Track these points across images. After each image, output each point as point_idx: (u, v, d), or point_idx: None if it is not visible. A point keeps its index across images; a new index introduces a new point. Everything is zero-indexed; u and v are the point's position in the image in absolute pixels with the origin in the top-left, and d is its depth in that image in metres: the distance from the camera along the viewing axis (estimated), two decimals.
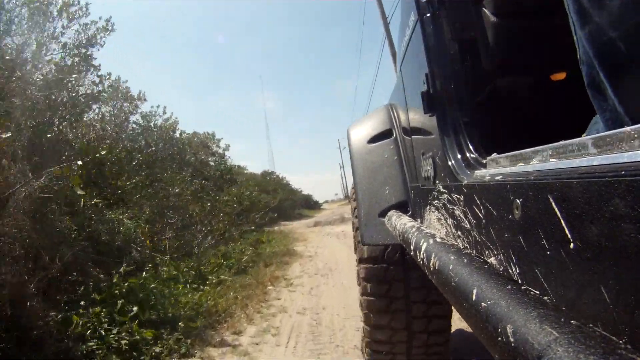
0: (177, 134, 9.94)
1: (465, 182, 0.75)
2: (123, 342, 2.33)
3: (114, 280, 2.98)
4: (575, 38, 0.56)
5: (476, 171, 0.77)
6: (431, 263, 0.73)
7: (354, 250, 1.96)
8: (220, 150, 12.77)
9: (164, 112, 9.53)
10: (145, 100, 8.49)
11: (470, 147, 0.85)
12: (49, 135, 3.46)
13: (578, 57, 0.57)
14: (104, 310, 2.61)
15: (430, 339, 1.50)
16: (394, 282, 1.44)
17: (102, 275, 3.03)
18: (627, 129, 0.35)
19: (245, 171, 21.73)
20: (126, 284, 2.94)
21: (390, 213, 1.42)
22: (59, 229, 2.89)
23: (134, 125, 8.24)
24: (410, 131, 1.40)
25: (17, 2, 4.55)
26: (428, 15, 1.02)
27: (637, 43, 0.46)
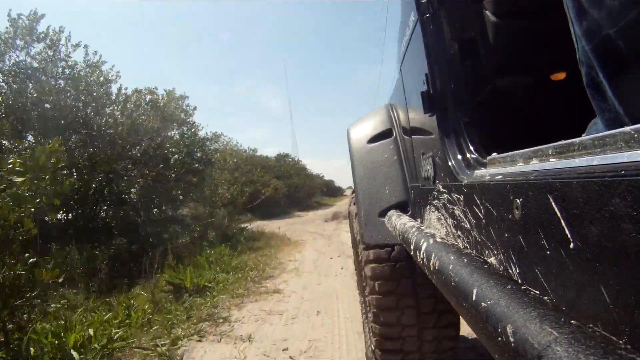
0: (113, 90, 6.51)
1: (465, 182, 0.75)
2: None
3: None
4: (574, 38, 0.56)
5: (476, 171, 0.77)
6: (431, 263, 0.73)
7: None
8: (182, 115, 8.16)
9: (87, 56, 6.01)
10: (76, 46, 5.83)
11: (470, 147, 0.85)
12: None
13: (577, 57, 0.57)
14: None
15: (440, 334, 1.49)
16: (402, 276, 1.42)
17: None
18: (627, 128, 0.35)
19: (257, 154, 19.48)
20: None
21: (390, 213, 1.42)
22: None
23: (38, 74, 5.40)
24: (410, 131, 1.40)
25: None
26: (428, 15, 1.02)
27: (635, 39, 0.46)
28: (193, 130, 8.38)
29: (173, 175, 7.22)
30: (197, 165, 7.69)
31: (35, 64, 5.65)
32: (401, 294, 1.43)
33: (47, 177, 1.91)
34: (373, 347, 1.59)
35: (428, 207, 1.10)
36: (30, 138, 5.51)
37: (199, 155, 7.76)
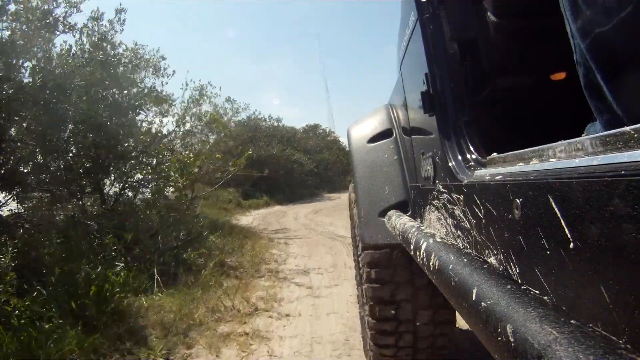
0: None
1: (465, 181, 0.75)
2: None
3: None
4: (572, 41, 0.56)
5: (476, 171, 0.77)
6: (431, 263, 0.73)
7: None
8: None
9: None
10: None
11: (470, 147, 0.85)
12: None
13: (575, 59, 0.57)
14: None
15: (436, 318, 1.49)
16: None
17: None
18: (627, 128, 0.35)
19: (281, 124, 16.03)
20: None
21: (390, 213, 1.42)
22: None
23: None
24: (410, 131, 1.40)
25: None
26: (428, 15, 1.02)
27: (629, 37, 0.46)
28: (117, 54, 4.20)
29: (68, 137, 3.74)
30: (110, 121, 3.98)
31: None
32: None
33: None
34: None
35: (428, 207, 1.10)
36: None
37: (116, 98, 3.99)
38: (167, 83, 5.77)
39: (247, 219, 8.38)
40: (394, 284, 1.46)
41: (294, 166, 12.57)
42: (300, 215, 8.22)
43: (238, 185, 9.14)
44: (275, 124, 16.50)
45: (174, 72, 5.64)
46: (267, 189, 10.82)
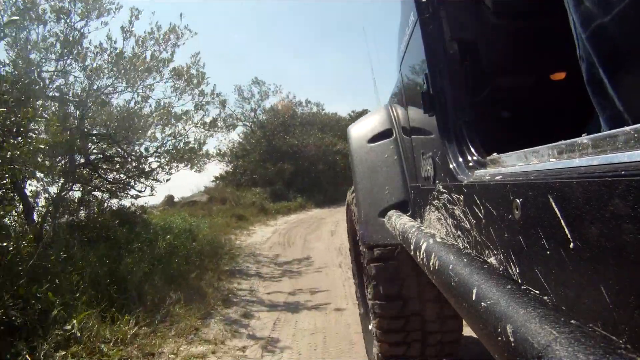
0: None
1: (465, 182, 0.75)
2: None
3: None
4: (574, 33, 0.56)
5: (476, 171, 0.77)
6: (431, 263, 0.73)
7: None
8: None
9: None
10: None
11: (470, 147, 0.85)
12: None
13: (577, 54, 0.57)
14: None
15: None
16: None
17: None
18: (627, 128, 0.35)
19: (321, 110, 13.72)
20: None
21: (390, 213, 1.42)
22: None
23: None
24: (410, 131, 1.40)
25: None
26: (428, 15, 1.02)
27: (629, 28, 0.46)
28: None
29: None
30: None
31: None
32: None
33: None
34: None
35: (428, 207, 1.10)
36: None
37: None
38: (106, 23, 4.07)
39: (264, 232, 6.36)
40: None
41: (337, 158, 10.08)
42: (341, 227, 5.62)
43: (267, 183, 7.16)
44: (315, 109, 14.04)
45: (120, 5, 3.95)
46: (304, 188, 8.51)
